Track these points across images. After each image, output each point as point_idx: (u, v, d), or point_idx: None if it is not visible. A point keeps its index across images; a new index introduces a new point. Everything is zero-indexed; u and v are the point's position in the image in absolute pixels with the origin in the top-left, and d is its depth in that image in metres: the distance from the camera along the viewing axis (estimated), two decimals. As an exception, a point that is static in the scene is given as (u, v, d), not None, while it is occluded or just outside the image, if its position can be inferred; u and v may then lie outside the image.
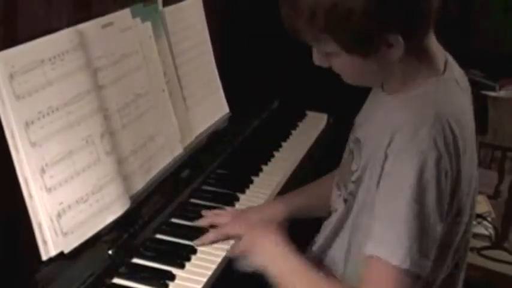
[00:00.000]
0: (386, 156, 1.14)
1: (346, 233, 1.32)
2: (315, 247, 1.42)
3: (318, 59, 1.22)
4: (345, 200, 1.33)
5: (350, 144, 1.35)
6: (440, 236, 1.13)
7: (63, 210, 1.29)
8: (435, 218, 1.09)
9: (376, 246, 1.12)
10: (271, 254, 1.31)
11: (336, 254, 1.35)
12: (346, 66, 1.19)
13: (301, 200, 1.56)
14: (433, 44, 1.22)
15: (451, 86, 1.21)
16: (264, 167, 1.85)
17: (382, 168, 1.15)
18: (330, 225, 1.37)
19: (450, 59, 1.27)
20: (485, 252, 2.16)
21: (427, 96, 1.17)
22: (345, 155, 1.38)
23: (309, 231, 1.48)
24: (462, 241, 1.28)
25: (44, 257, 1.25)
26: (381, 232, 1.11)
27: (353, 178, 1.28)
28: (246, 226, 1.43)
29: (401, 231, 1.08)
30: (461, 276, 1.36)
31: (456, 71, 1.27)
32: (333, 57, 1.18)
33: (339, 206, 1.35)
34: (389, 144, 1.14)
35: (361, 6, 1.06)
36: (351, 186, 1.29)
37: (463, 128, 1.16)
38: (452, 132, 1.12)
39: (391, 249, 1.09)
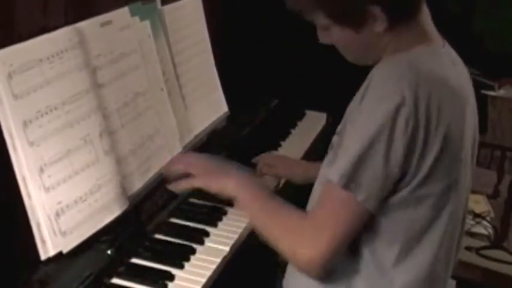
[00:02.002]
0: (363, 96, 1.20)
1: None
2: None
3: (320, 36, 1.30)
4: (326, 154, 1.35)
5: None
6: (390, 183, 1.18)
7: (62, 210, 1.29)
8: (380, 159, 1.15)
9: (330, 169, 1.21)
10: (236, 180, 1.37)
11: None
12: (341, 39, 1.27)
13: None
14: (428, 24, 1.27)
15: (440, 56, 1.26)
16: (263, 167, 1.84)
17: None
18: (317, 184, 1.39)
19: (448, 45, 1.32)
20: (484, 252, 2.16)
21: (408, 55, 1.23)
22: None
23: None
24: (452, 229, 1.28)
25: (43, 257, 1.25)
26: (337, 159, 1.20)
27: (338, 129, 1.31)
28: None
29: (349, 158, 1.16)
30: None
31: (454, 55, 1.31)
32: (330, 31, 1.26)
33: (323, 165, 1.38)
34: (367, 87, 1.21)
35: None
36: (334, 138, 1.32)
37: (441, 94, 1.18)
38: (427, 89, 1.16)
39: (336, 169, 1.18)
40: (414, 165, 1.17)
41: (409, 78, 1.16)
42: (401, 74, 1.17)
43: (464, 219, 1.36)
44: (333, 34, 1.26)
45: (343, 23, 1.23)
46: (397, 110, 1.13)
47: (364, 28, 1.22)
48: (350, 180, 1.16)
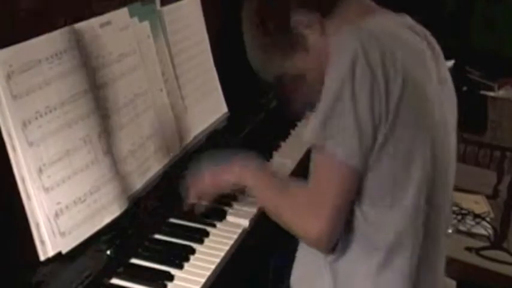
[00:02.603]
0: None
1: None
2: None
3: (308, 82, 1.36)
4: None
5: None
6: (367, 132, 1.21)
7: (61, 210, 1.28)
8: (347, 108, 1.20)
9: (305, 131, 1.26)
10: (246, 172, 1.44)
11: None
12: (310, 68, 1.33)
13: None
14: (369, 3, 1.34)
15: (390, 19, 1.32)
16: (263, 167, 1.84)
17: None
18: None
19: (406, 18, 1.36)
20: (484, 252, 2.16)
21: (357, 24, 1.28)
22: None
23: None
24: (432, 168, 1.29)
25: (42, 258, 1.25)
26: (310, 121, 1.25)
27: None
28: None
29: (319, 116, 1.21)
30: (441, 229, 1.37)
31: (412, 24, 1.35)
32: (306, 73, 1.34)
33: None
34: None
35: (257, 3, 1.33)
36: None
37: (394, 44, 1.23)
38: (378, 41, 1.22)
39: (309, 128, 1.24)
40: (383, 110, 1.21)
41: (359, 35, 1.22)
42: (351, 34, 1.23)
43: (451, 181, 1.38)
44: (308, 73, 1.33)
45: (291, 49, 1.31)
46: (353, 62, 1.19)
47: (308, 41, 1.29)
48: (321, 134, 1.21)
